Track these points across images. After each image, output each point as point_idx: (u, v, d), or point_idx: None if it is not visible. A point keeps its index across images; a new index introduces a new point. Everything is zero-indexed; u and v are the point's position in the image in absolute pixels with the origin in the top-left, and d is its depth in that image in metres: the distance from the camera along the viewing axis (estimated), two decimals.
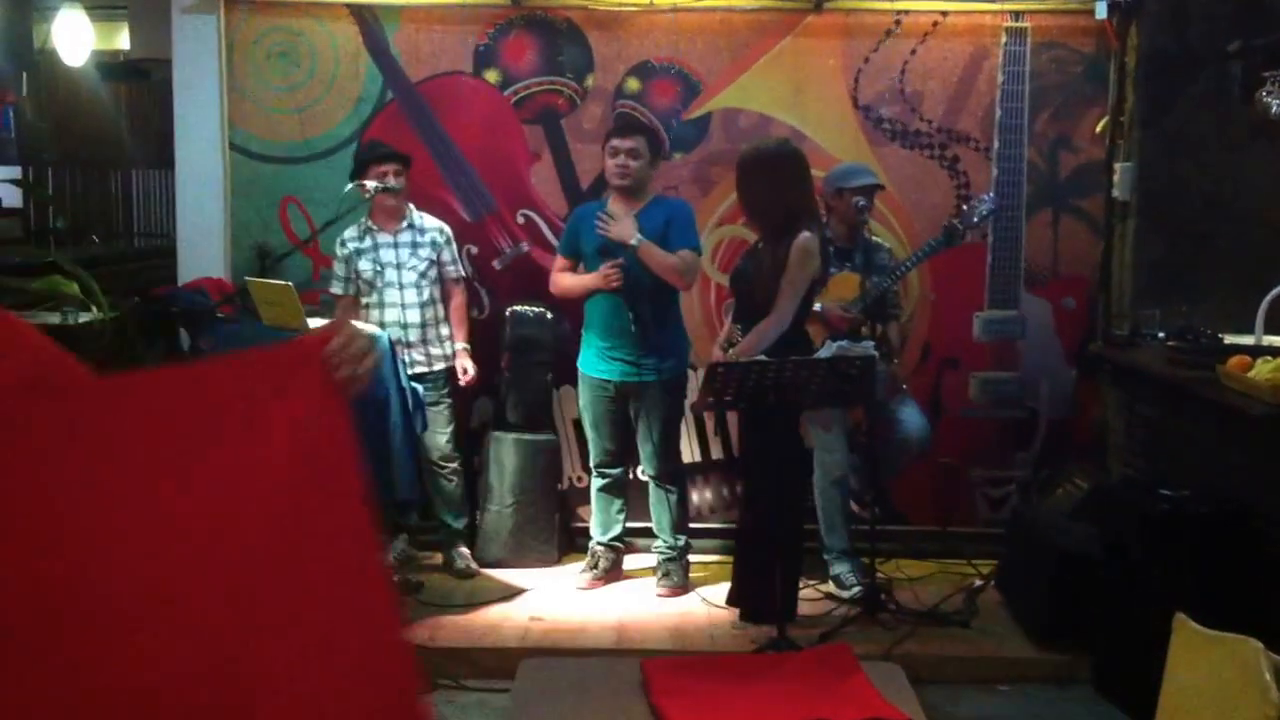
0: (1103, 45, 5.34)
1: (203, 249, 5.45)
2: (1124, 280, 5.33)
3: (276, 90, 5.44)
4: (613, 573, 5.11)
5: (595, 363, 4.93)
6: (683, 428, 5.18)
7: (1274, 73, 4.57)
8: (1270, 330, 4.56)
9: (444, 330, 5.13)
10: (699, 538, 5.29)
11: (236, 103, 5.43)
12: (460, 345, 5.13)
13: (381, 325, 4.96)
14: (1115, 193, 5.30)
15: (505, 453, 5.24)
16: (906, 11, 5.34)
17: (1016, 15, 5.35)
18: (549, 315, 5.26)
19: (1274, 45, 4.71)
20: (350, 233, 5.07)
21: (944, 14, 5.35)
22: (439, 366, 5.11)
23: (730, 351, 4.49)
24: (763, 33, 5.38)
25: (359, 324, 4.91)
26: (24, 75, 8.75)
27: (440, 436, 5.11)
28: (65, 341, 1.83)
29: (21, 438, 1.62)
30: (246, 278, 5.06)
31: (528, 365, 5.25)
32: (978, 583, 4.97)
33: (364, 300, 5.09)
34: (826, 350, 4.61)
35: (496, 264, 5.48)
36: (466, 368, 5.12)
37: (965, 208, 5.04)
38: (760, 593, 4.51)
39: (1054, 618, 4.38)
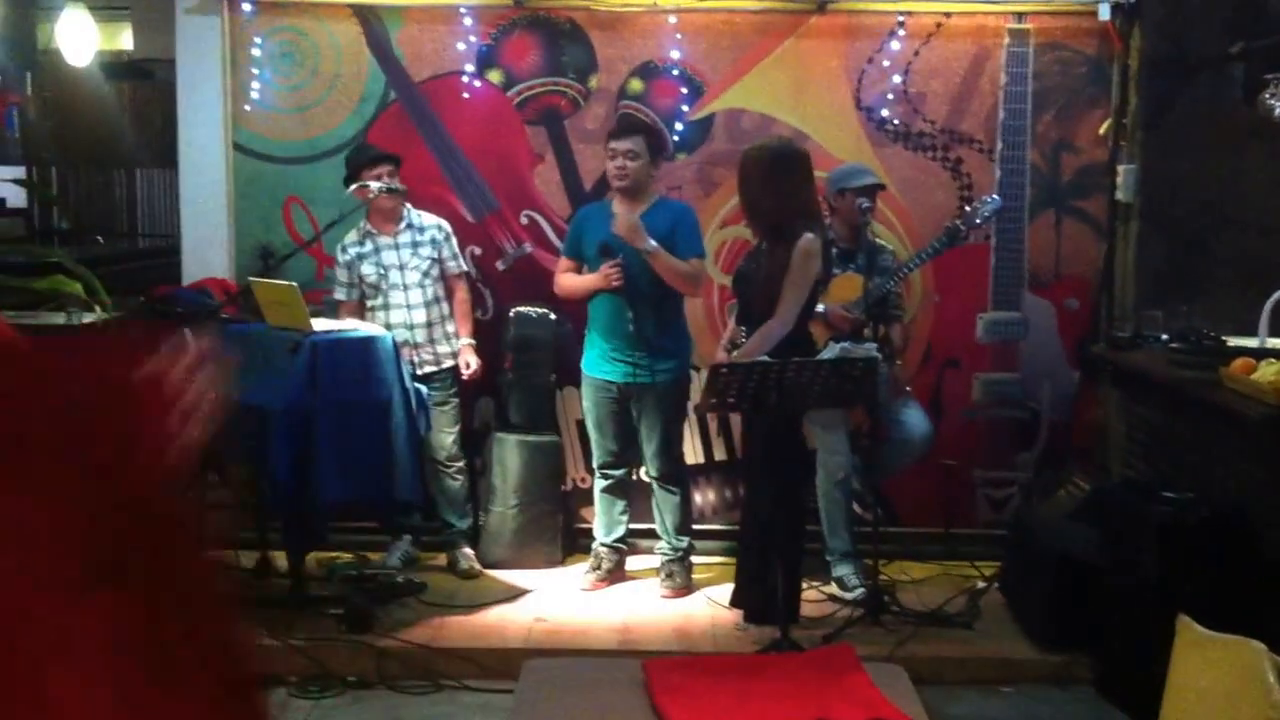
0: (1105, 47, 5.33)
1: (206, 249, 5.45)
2: (1126, 282, 5.33)
3: (279, 90, 5.45)
4: (616, 574, 5.11)
5: (598, 364, 4.93)
6: (685, 429, 5.19)
7: (1276, 75, 4.58)
8: (1275, 333, 4.55)
9: (450, 327, 5.13)
10: (702, 539, 5.28)
11: (239, 103, 5.44)
12: (465, 340, 5.13)
13: (388, 327, 4.96)
14: (1118, 194, 5.30)
15: (508, 454, 5.24)
16: (909, 13, 5.33)
17: (1019, 17, 5.34)
18: (552, 316, 5.26)
19: (1276, 47, 4.71)
20: (350, 238, 5.07)
21: (947, 15, 5.34)
22: (447, 364, 5.12)
23: (734, 353, 4.49)
24: (766, 34, 5.37)
25: (361, 323, 4.93)
26: (28, 75, 8.76)
27: (446, 436, 5.11)
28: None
29: None
30: (250, 278, 5.02)
31: (530, 366, 5.25)
32: (980, 584, 4.98)
33: (369, 304, 5.09)
34: (829, 351, 4.62)
35: (499, 265, 5.48)
36: (470, 362, 5.11)
37: (969, 208, 5.04)
38: (763, 594, 4.51)
39: (1055, 620, 4.39)
